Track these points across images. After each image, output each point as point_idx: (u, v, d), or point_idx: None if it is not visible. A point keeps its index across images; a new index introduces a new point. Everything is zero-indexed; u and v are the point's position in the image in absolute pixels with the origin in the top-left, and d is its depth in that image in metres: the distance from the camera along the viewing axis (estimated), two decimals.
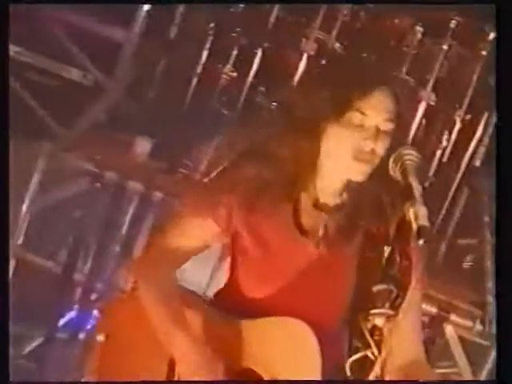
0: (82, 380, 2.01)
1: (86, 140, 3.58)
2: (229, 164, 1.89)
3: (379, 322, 1.27)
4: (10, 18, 1.96)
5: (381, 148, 1.67)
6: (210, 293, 1.97)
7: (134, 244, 3.37)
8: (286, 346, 1.55)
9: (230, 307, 1.79)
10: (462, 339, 3.35)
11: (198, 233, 1.80)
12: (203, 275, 3.13)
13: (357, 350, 1.30)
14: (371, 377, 1.23)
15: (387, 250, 1.33)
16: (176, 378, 1.77)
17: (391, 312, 1.27)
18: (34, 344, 3.57)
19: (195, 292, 1.90)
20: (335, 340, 1.73)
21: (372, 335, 1.28)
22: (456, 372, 3.35)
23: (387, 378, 1.67)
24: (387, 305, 1.26)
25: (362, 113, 1.66)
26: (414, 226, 1.34)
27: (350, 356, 1.30)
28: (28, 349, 3.57)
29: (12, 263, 3.49)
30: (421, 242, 1.30)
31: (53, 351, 3.49)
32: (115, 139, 3.69)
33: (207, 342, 1.70)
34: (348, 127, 1.67)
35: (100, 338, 1.84)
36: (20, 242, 3.48)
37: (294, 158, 1.73)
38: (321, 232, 1.68)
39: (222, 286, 1.93)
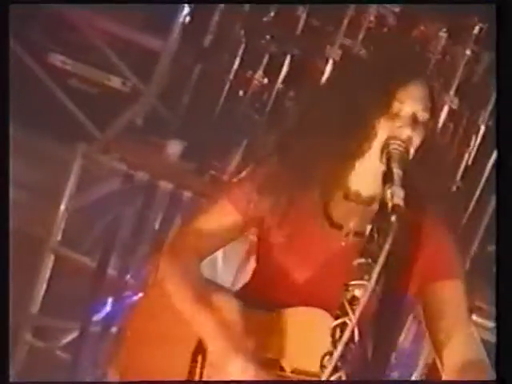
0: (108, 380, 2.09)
1: (121, 142, 3.76)
2: (259, 162, 1.93)
3: (358, 292, 1.38)
4: (10, 19, 1.99)
5: (417, 137, 1.70)
6: (237, 287, 2.03)
7: (165, 240, 3.50)
8: (308, 337, 1.59)
9: (256, 298, 1.84)
10: (482, 340, 3.40)
11: (222, 223, 1.86)
12: (231, 270, 3.24)
13: (337, 317, 1.41)
14: (345, 338, 1.34)
15: (368, 227, 1.44)
16: (199, 363, 1.83)
17: (369, 284, 1.38)
18: (70, 337, 3.73)
19: (221, 285, 1.95)
20: (358, 351, 1.77)
21: (351, 304, 1.39)
22: None
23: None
24: (366, 277, 1.37)
25: (401, 102, 1.71)
26: (389, 204, 1.46)
27: (333, 320, 1.42)
28: (64, 341, 3.74)
29: (51, 258, 3.68)
30: (393, 218, 1.41)
31: (87, 344, 3.63)
32: (149, 142, 3.86)
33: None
34: (386, 117, 1.71)
35: (128, 333, 1.93)
36: (58, 238, 3.65)
37: (333, 156, 1.75)
38: (352, 225, 1.70)
39: (248, 278, 1.99)
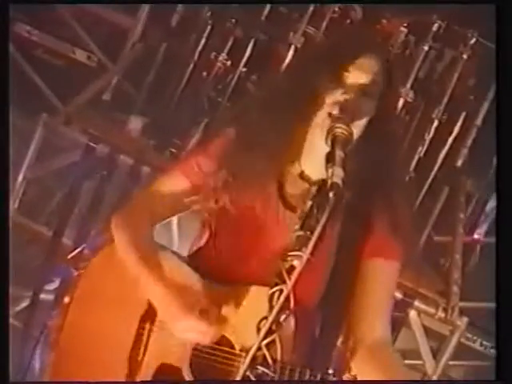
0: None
1: (83, 115, 3.80)
2: (214, 135, 1.94)
3: (296, 262, 1.46)
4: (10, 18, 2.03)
5: (364, 106, 1.74)
6: (189, 252, 2.04)
7: None
8: (257, 316, 1.56)
9: (208, 269, 1.86)
10: (424, 325, 3.54)
11: (173, 193, 1.90)
12: (186, 238, 3.28)
13: (275, 285, 1.49)
14: (280, 303, 1.42)
15: (309, 203, 1.53)
16: (147, 329, 1.85)
17: (307, 256, 1.47)
18: (23, 304, 3.77)
19: (173, 250, 1.96)
20: (310, 317, 1.85)
21: (288, 274, 1.48)
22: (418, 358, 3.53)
23: (356, 358, 1.80)
24: (304, 249, 1.46)
25: (348, 71, 1.76)
26: (329, 182, 1.55)
27: (270, 289, 1.50)
28: (17, 308, 3.77)
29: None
30: (330, 194, 1.51)
31: (39, 312, 3.67)
32: (111, 116, 3.91)
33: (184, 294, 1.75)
34: (332, 87, 1.75)
35: (66, 299, 1.96)
36: (16, 206, 3.69)
37: (282, 131, 1.78)
38: (307, 208, 1.66)
39: (200, 245, 2.00)
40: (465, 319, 3.46)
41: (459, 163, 3.99)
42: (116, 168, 3.55)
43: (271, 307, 1.45)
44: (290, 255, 1.48)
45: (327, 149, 1.68)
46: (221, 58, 4.00)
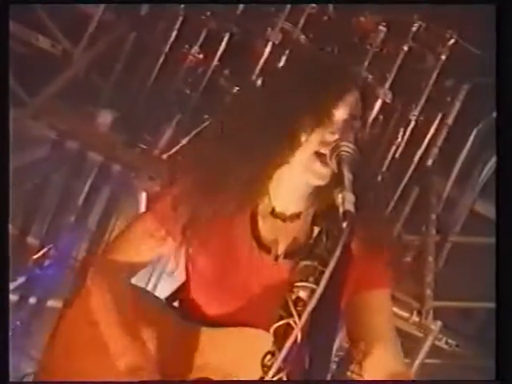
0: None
1: (50, 108, 3.65)
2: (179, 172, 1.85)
3: (303, 294, 1.37)
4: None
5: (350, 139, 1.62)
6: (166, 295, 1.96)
7: (90, 213, 3.45)
8: (248, 357, 1.53)
9: (187, 311, 1.79)
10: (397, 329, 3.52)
11: (147, 238, 1.80)
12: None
13: (280, 318, 1.39)
14: (289, 341, 1.32)
15: (316, 230, 1.42)
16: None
17: (315, 286, 1.37)
18: None
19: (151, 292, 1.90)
20: (297, 351, 1.77)
21: (295, 306, 1.38)
22: None
23: None
24: (311, 279, 1.36)
25: (335, 107, 1.66)
26: (341, 210, 1.44)
27: (275, 323, 1.38)
28: None
29: None
30: (344, 224, 1.40)
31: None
32: (79, 110, 3.76)
33: (159, 347, 1.68)
34: (317, 123, 1.66)
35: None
36: None
37: (254, 165, 1.69)
38: (281, 247, 1.63)
39: (176, 287, 1.94)
40: (439, 323, 3.44)
41: (430, 162, 3.96)
42: (85, 164, 3.43)
43: (276, 342, 1.35)
44: (296, 286, 1.39)
45: (305, 188, 1.59)
46: (193, 51, 3.87)
